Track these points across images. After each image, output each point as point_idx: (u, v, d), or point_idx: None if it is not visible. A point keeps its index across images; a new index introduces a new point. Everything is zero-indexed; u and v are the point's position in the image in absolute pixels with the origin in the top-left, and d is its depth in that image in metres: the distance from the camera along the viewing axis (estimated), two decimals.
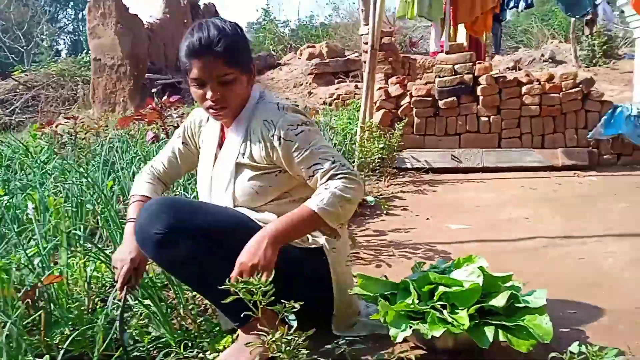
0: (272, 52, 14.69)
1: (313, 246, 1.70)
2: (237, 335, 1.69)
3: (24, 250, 2.00)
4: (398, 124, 4.90)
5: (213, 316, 1.95)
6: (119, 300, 1.69)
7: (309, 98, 10.50)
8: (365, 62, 5.96)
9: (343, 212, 1.57)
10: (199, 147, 1.88)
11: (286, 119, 1.62)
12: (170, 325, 1.82)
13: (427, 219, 3.48)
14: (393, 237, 3.09)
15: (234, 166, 1.67)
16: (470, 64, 5.13)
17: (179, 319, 1.92)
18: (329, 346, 1.62)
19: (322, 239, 1.71)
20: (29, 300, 1.68)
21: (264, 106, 1.67)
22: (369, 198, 3.12)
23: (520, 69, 10.80)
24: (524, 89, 5.08)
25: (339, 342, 1.63)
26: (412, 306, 1.60)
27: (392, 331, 1.54)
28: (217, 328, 1.87)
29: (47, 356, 1.58)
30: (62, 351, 1.61)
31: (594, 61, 10.79)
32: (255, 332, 1.46)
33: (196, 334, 1.86)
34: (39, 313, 1.64)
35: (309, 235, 1.69)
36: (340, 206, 1.54)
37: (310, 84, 11.28)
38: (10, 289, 1.58)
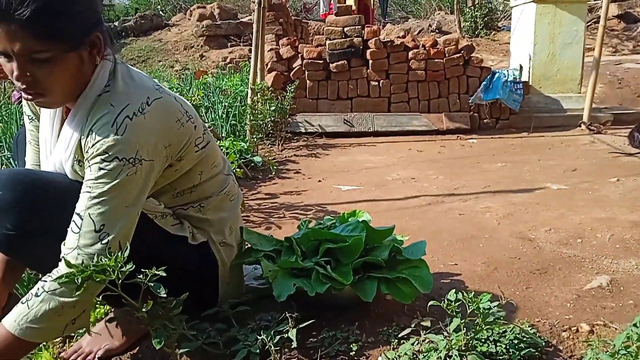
0: (160, 12, 13.87)
1: (199, 240, 1.49)
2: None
3: None
4: (290, 87, 4.82)
5: None
6: None
7: (202, 61, 10.07)
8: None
9: (65, 318, 1.21)
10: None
11: (111, 140, 1.19)
12: None
13: (319, 181, 3.47)
14: (285, 199, 3.04)
15: (72, 173, 1.32)
16: (360, 27, 5.15)
17: None
18: (210, 311, 1.54)
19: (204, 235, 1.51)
20: None
21: (103, 105, 1.23)
22: (257, 158, 3.03)
23: None
24: (410, 54, 5.20)
25: (222, 306, 1.56)
26: (295, 263, 1.55)
27: (276, 290, 1.48)
28: None
29: None
30: None
31: (476, 32, 11.38)
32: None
33: None
34: None
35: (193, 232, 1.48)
36: (58, 315, 1.19)
37: (202, 46, 10.81)
38: None
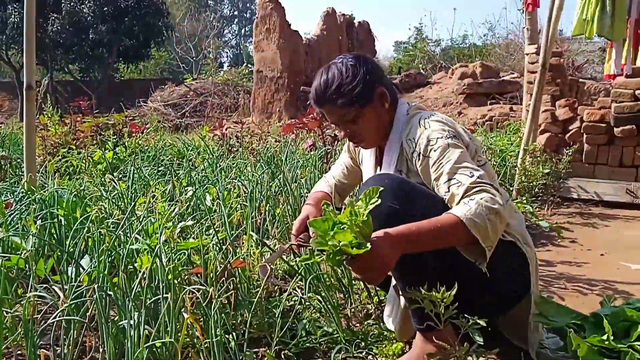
0: (422, 70, 14.64)
1: (507, 239, 1.61)
2: (412, 343, 1.68)
3: (209, 236, 2.19)
4: (567, 150, 4.58)
5: (379, 321, 1.96)
6: (290, 248, 1.84)
7: (459, 118, 10.24)
8: (529, 82, 5.66)
9: (492, 227, 1.41)
10: (360, 165, 1.95)
11: (425, 135, 1.60)
12: (339, 323, 1.87)
13: (602, 255, 3.17)
14: (562, 269, 2.86)
15: None
16: None
17: (345, 319, 1.96)
18: None
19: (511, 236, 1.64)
20: (220, 279, 1.83)
21: (408, 123, 1.69)
22: (543, 223, 2.92)
23: None
24: None
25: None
26: (607, 343, 1.46)
27: None
28: (384, 334, 1.88)
29: (233, 334, 1.70)
30: (245, 332, 1.73)
31: None
32: (435, 343, 1.44)
33: (362, 336, 1.88)
34: (229, 293, 1.78)
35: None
36: (488, 220, 1.40)
37: (460, 104, 10.99)
38: (211, 266, 1.73)
